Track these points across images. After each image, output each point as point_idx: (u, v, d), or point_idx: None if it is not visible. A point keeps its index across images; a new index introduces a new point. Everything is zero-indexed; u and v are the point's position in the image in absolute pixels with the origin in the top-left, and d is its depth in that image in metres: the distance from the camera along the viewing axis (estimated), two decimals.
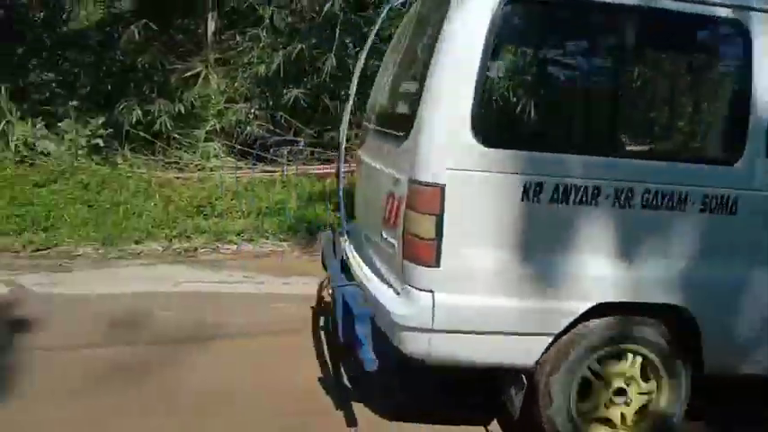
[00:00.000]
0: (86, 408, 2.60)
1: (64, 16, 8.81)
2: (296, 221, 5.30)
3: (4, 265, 4.47)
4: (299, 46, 6.50)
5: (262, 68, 6.65)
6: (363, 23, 6.77)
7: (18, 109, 6.68)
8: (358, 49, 6.93)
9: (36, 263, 4.58)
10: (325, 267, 3.19)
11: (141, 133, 6.84)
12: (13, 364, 2.96)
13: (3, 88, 6.51)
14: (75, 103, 7.12)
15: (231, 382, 2.85)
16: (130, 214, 5.27)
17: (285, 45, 6.65)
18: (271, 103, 6.99)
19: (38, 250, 4.81)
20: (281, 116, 6.47)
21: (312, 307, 3.70)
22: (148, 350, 3.16)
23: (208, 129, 6.79)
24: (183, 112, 7.37)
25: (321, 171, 6.40)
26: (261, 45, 6.68)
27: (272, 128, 6.54)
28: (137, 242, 4.94)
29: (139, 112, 7.24)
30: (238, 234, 5.10)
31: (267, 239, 5.13)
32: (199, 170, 6.35)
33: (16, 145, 6.30)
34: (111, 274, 4.38)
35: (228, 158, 6.72)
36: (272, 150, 6.64)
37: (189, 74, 7.44)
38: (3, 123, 6.35)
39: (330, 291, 3.03)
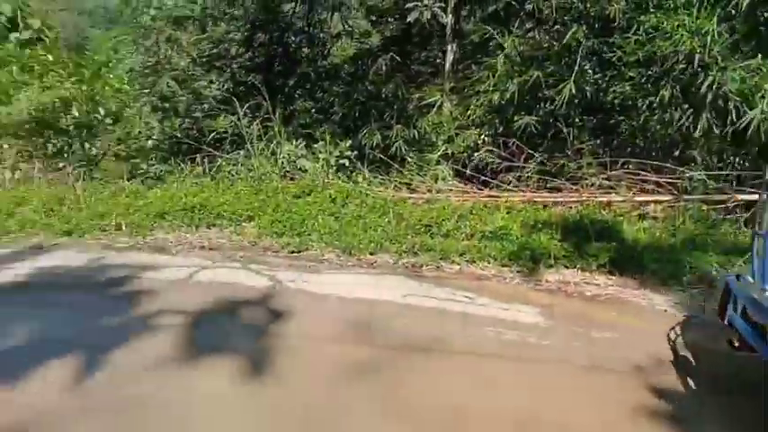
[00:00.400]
0: (330, 398, 2.93)
1: (324, 52, 10.20)
2: (518, 248, 5.23)
3: (267, 262, 5.29)
4: (536, 74, 6.48)
5: (496, 96, 6.79)
6: (607, 49, 6.48)
7: (285, 131, 7.88)
8: (599, 75, 6.68)
9: (291, 262, 5.31)
10: (721, 317, 3.07)
11: (380, 155, 7.51)
12: (270, 348, 3.48)
13: (277, 114, 7.76)
14: (328, 127, 8.13)
15: (459, 399, 2.95)
16: (368, 228, 5.79)
17: (521, 73, 6.69)
18: (501, 129, 7.10)
19: (293, 252, 5.58)
20: (514, 143, 6.50)
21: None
22: (382, 353, 3.42)
23: (441, 153, 7.15)
24: (416, 137, 7.95)
25: (547, 199, 6.25)
26: (497, 74, 6.82)
27: (502, 153, 6.59)
28: (371, 253, 5.41)
29: (379, 136, 8.02)
30: (461, 255, 5.23)
31: (489, 263, 5.16)
32: (428, 192, 6.70)
33: (282, 162, 7.41)
34: (350, 279, 4.84)
35: (455, 182, 6.96)
36: (499, 176, 6.71)
37: (425, 102, 7.98)
38: (274, 143, 7.55)
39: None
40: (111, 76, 9.99)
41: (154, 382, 3.06)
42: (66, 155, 9.35)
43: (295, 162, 7.45)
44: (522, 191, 6.41)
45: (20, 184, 8.50)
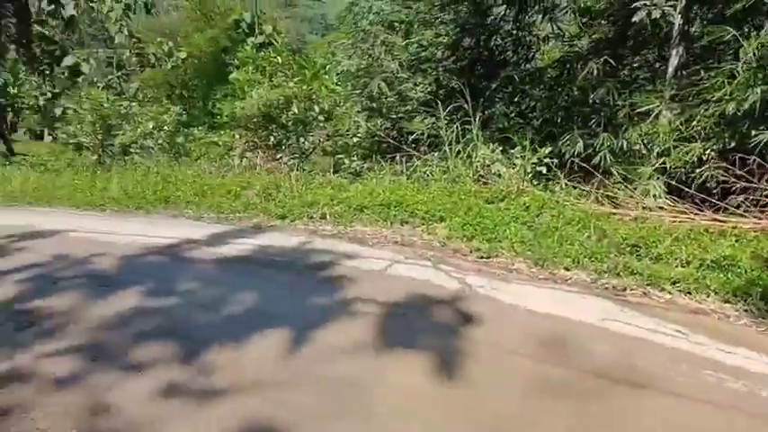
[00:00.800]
0: (520, 411, 2.81)
1: (529, 56, 9.92)
2: (747, 283, 4.49)
3: (456, 265, 5.30)
4: None
5: (730, 106, 5.90)
6: None
7: (482, 135, 7.83)
8: None
9: (479, 267, 5.24)
10: None
11: (582, 164, 7.06)
12: (459, 350, 3.46)
13: (477, 117, 7.74)
14: (527, 132, 7.89)
15: None
16: (564, 241, 5.46)
17: (766, 81, 5.72)
18: (732, 144, 6.16)
19: (482, 257, 5.51)
20: (754, 160, 5.57)
21: None
22: (576, 377, 3.19)
23: (654, 167, 6.48)
24: (624, 147, 7.32)
25: None
26: (735, 81, 5.92)
27: (738, 171, 5.68)
28: (566, 269, 5.09)
29: (581, 144, 7.55)
30: (674, 283, 4.66)
31: (708, 297, 4.50)
32: (636, 208, 6.11)
33: (476, 165, 7.38)
34: (541, 293, 4.61)
35: (668, 200, 6.24)
36: (727, 198, 5.83)
37: (638, 110, 7.29)
38: (470, 146, 7.55)
39: None
40: (327, 77, 10.95)
41: (350, 365, 3.24)
42: (283, 147, 10.49)
43: (489, 166, 7.35)
44: (757, 217, 5.48)
45: (245, 171, 9.75)
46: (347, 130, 9.91)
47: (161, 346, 3.40)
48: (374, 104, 9.25)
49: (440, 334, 3.71)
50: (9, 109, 19.83)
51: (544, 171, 7.13)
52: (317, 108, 10.07)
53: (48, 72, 19.29)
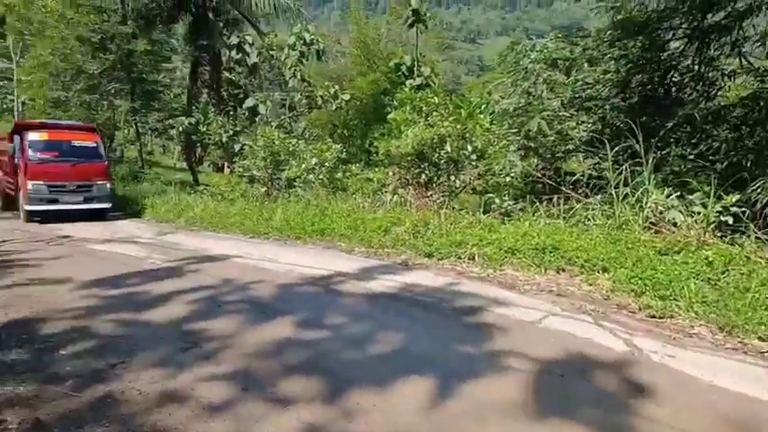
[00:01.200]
0: None
1: (711, 93, 8.87)
2: None
3: (622, 323, 4.73)
4: None
5: None
6: None
7: (655, 178, 7.06)
8: None
9: (650, 328, 4.62)
10: None
11: None
12: (629, 426, 2.98)
13: (649, 160, 7.01)
14: (710, 177, 6.95)
15: None
16: (758, 305, 4.61)
17: None
18: None
19: (653, 316, 4.87)
20: None
21: None
22: None
23: None
24: None
25: None
26: None
27: None
28: (761, 339, 4.28)
29: None
30: None
31: None
32: None
33: (648, 211, 6.64)
34: (729, 365, 3.89)
35: None
36: None
37: None
38: (640, 190, 6.84)
39: None
40: (482, 116, 10.84)
41: (498, 427, 2.94)
42: (434, 185, 10.51)
43: (663, 213, 6.57)
44: None
45: (396, 207, 9.90)
46: (501, 170, 9.63)
47: (307, 381, 3.41)
48: (531, 144, 8.89)
49: (604, 404, 3.25)
50: (198, 144, 22.65)
51: (731, 221, 6.17)
52: (469, 147, 9.97)
53: (232, 112, 21.70)
